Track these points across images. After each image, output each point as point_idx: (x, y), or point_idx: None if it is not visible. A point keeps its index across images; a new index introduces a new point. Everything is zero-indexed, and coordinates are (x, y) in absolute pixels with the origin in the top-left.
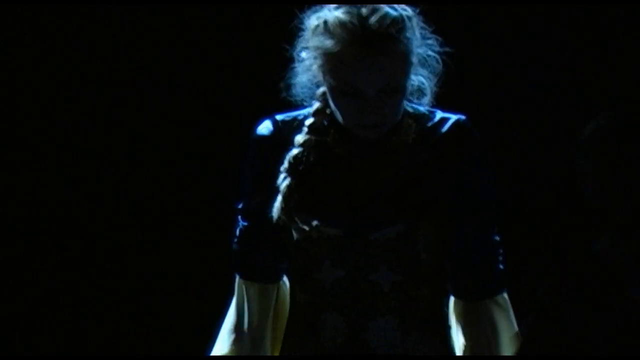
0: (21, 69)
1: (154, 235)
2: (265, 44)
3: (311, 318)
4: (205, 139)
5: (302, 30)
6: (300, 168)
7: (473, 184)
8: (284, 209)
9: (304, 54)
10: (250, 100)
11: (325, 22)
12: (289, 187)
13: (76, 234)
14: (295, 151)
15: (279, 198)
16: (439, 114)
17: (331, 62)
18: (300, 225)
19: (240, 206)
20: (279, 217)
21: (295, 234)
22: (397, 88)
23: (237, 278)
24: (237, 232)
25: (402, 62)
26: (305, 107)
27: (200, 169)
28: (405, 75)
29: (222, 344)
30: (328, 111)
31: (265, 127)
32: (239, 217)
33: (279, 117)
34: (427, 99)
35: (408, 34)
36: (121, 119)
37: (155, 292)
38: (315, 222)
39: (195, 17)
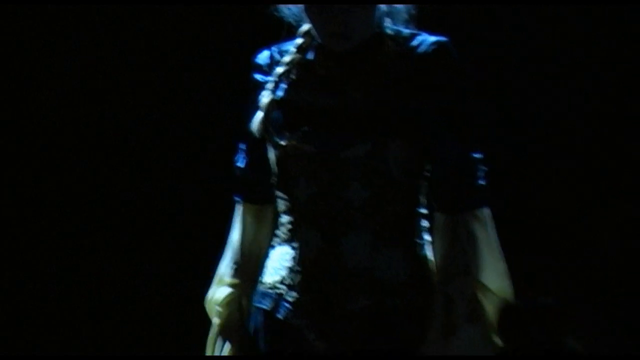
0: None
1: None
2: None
3: (291, 233)
4: (200, 137)
5: None
6: (282, 85)
7: (451, 99)
8: (262, 122)
9: None
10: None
11: None
12: (269, 102)
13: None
14: (280, 69)
15: (259, 113)
16: (422, 35)
17: None
18: (277, 140)
19: (242, 131)
20: (259, 132)
21: (274, 151)
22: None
23: (237, 203)
24: (239, 159)
25: None
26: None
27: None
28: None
29: (224, 268)
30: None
31: (260, 55)
32: (241, 145)
33: (274, 46)
34: (403, 19)
35: None
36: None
37: (151, 292)
38: (288, 137)
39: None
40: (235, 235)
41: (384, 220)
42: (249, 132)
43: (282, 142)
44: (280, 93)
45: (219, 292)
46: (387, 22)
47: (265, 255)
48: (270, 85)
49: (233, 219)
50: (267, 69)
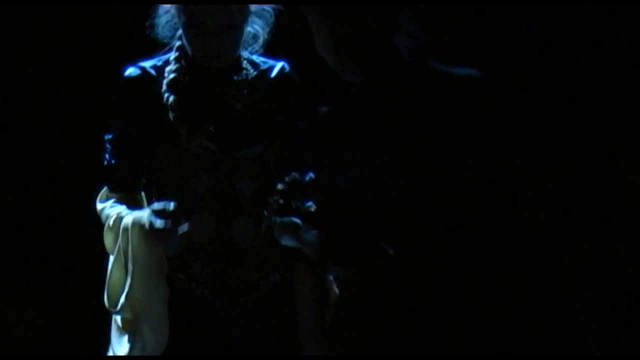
0: None
1: None
2: None
3: (185, 219)
4: None
5: None
6: (179, 87)
7: (294, 114)
8: (175, 119)
9: (163, 4)
10: None
11: None
12: (175, 101)
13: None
14: (171, 76)
15: (170, 113)
16: (269, 61)
17: (185, 2)
18: (184, 137)
19: (109, 136)
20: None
21: (173, 147)
22: (236, 25)
23: (106, 192)
24: (107, 155)
25: (241, 6)
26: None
27: None
28: (243, 16)
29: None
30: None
31: (132, 70)
32: (108, 144)
33: (141, 63)
34: (258, 45)
35: None
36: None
37: None
38: (195, 136)
39: None
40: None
41: (263, 207)
42: (124, 137)
43: (190, 140)
44: (174, 98)
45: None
46: (243, 51)
47: None
48: (165, 89)
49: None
50: (140, 83)
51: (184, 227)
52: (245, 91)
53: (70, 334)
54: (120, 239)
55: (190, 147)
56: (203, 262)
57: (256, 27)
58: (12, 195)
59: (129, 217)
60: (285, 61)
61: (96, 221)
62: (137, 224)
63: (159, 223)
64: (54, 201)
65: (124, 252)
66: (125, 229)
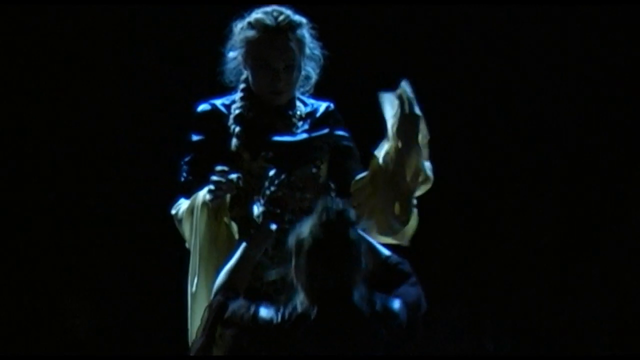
0: None
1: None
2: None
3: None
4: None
5: (231, 33)
6: (243, 120)
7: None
8: (239, 146)
9: (231, 53)
10: None
11: (249, 21)
12: (240, 131)
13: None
14: (237, 111)
15: (234, 140)
16: (317, 101)
17: (252, 46)
18: (249, 161)
19: (186, 158)
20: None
21: (238, 171)
22: (295, 65)
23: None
24: (184, 173)
25: (298, 48)
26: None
27: None
28: (301, 58)
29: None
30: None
31: (204, 106)
32: (185, 165)
33: (212, 100)
34: (310, 85)
35: (303, 31)
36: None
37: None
38: (257, 158)
39: None
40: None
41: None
42: (199, 160)
43: (252, 163)
44: (239, 129)
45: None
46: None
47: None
48: (232, 121)
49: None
50: (212, 116)
51: (234, 176)
52: (297, 124)
53: (124, 325)
54: (192, 218)
55: (251, 169)
56: (270, 267)
57: (309, 69)
58: (75, 198)
59: (198, 197)
60: (331, 101)
61: (154, 223)
62: (201, 198)
63: (215, 177)
64: (115, 203)
65: (194, 232)
66: (192, 207)
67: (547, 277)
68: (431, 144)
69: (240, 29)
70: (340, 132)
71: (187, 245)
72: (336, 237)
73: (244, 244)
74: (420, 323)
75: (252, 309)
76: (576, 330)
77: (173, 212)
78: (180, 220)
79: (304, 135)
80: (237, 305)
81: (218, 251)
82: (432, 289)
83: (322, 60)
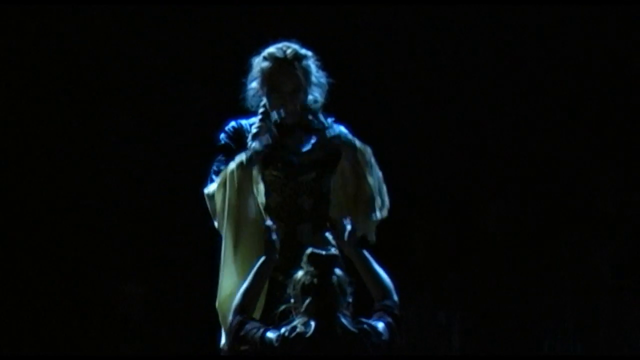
0: None
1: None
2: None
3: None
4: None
5: (250, 66)
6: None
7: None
8: (259, 161)
9: (251, 84)
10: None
11: (264, 55)
12: (262, 150)
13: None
14: (253, 130)
15: (248, 152)
16: (323, 120)
17: (267, 74)
18: (267, 170)
19: (217, 157)
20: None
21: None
22: (302, 88)
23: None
24: (215, 166)
25: (305, 76)
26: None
27: None
28: (307, 84)
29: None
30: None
31: (233, 124)
32: (216, 162)
33: (239, 120)
34: (317, 107)
35: (309, 62)
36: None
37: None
38: (272, 169)
39: None
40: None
41: (319, 216)
42: (223, 160)
43: (274, 172)
44: (259, 144)
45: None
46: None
47: None
48: (250, 138)
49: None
50: (237, 132)
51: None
52: (304, 138)
53: (173, 307)
54: (224, 188)
55: (264, 175)
56: (279, 256)
57: (316, 94)
58: (129, 189)
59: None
60: (334, 117)
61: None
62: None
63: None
64: (166, 195)
65: (226, 198)
66: (224, 178)
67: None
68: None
69: (257, 62)
70: (343, 140)
71: (215, 223)
72: (324, 275)
73: (258, 263)
74: (398, 342)
75: (261, 330)
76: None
77: (205, 191)
78: (212, 196)
79: (308, 147)
80: (250, 326)
81: (246, 208)
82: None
83: (327, 87)
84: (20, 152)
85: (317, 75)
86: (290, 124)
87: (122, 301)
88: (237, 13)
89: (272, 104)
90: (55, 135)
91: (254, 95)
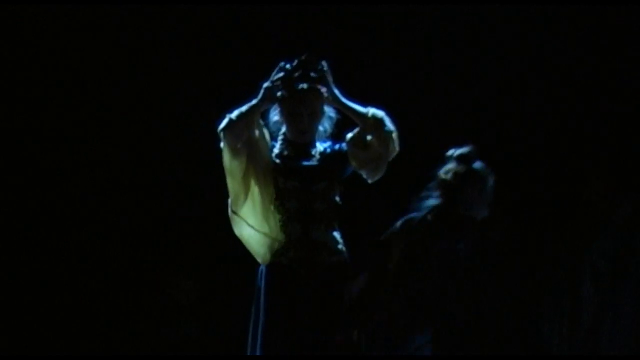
0: None
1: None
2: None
3: (283, 226)
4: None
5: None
6: (281, 155)
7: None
8: (276, 171)
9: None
10: None
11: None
12: (278, 164)
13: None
14: (276, 150)
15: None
16: (333, 143)
17: (286, 103)
18: (283, 180)
19: None
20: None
21: (276, 187)
22: (317, 112)
23: None
24: None
25: (319, 100)
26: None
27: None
28: (320, 105)
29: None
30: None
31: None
32: None
33: None
34: (326, 136)
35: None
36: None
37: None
38: (289, 180)
39: None
40: None
41: (330, 218)
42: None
43: (284, 181)
44: (280, 160)
45: None
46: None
47: None
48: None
49: None
50: None
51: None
52: (317, 156)
53: (221, 301)
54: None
55: (284, 186)
56: (296, 251)
57: (326, 125)
58: (178, 185)
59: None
60: (342, 141)
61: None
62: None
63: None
64: (207, 194)
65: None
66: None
67: None
68: None
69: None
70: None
71: (227, 173)
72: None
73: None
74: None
75: None
76: None
77: (222, 144)
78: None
79: (320, 160)
80: None
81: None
82: None
83: (336, 118)
84: (71, 152)
85: (325, 109)
86: (304, 145)
87: (176, 292)
88: (237, 13)
89: (292, 127)
90: (108, 135)
91: (275, 122)
